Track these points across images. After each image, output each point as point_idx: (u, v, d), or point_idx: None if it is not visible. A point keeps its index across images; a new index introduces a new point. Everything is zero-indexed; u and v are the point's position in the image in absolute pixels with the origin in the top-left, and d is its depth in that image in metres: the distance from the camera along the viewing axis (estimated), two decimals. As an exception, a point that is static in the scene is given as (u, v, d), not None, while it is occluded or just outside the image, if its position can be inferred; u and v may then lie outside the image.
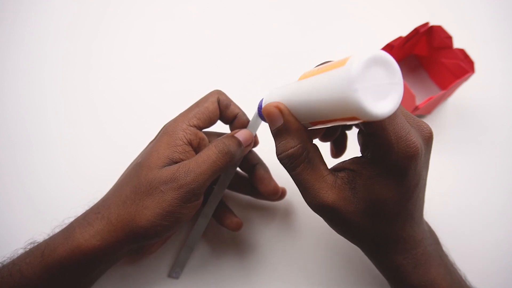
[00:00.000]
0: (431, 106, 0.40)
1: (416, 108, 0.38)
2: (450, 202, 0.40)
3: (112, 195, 0.30)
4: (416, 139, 0.24)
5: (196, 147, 0.32)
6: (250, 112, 0.34)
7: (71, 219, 0.30)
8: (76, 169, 0.41)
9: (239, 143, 0.31)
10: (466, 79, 0.39)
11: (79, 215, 0.30)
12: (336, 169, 0.28)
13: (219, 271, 0.37)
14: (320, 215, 0.28)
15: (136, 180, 0.29)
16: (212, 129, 0.34)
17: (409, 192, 0.26)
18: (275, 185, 0.35)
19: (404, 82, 0.37)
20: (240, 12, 0.49)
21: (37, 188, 0.40)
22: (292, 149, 0.26)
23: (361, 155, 0.27)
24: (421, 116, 0.43)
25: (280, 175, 0.39)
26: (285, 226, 0.39)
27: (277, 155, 0.27)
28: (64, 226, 0.30)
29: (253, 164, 0.35)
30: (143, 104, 0.44)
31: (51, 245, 0.28)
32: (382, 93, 0.20)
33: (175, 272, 0.36)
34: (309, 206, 0.27)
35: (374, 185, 0.25)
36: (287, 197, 0.38)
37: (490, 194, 0.40)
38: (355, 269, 0.37)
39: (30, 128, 0.43)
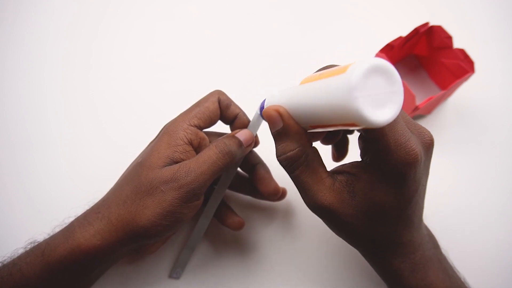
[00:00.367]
0: (431, 106, 0.40)
1: (416, 108, 0.38)
2: (450, 202, 0.40)
3: (113, 194, 0.30)
4: (415, 146, 0.24)
5: (197, 147, 0.32)
6: (251, 112, 0.34)
7: (71, 219, 0.30)
8: (76, 169, 0.41)
9: (239, 143, 0.31)
10: (466, 79, 0.39)
11: (79, 214, 0.30)
12: (336, 171, 0.28)
13: (220, 271, 0.37)
14: (318, 216, 0.28)
15: (136, 179, 0.29)
16: (212, 129, 0.34)
17: (408, 198, 0.26)
18: (276, 185, 0.35)
19: (404, 82, 0.38)
20: (240, 12, 0.49)
21: (37, 188, 0.40)
22: (291, 152, 0.26)
23: (361, 159, 0.27)
24: (421, 116, 0.43)
25: (281, 176, 0.39)
26: (286, 226, 0.39)
27: (277, 157, 0.27)
28: (64, 226, 0.30)
29: (253, 164, 0.35)
30: (143, 104, 0.44)
31: (51, 244, 0.28)
32: (382, 101, 0.21)
33: (176, 272, 0.36)
34: (308, 207, 0.28)
35: (373, 190, 0.26)
36: (287, 197, 0.38)
37: (490, 194, 0.40)
38: (355, 269, 0.37)
39: (30, 128, 0.43)
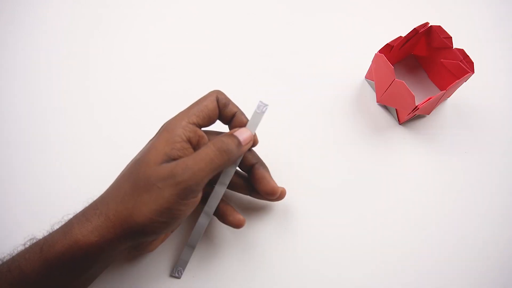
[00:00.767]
0: (431, 106, 0.40)
1: (416, 108, 0.38)
2: (450, 202, 0.40)
3: (111, 191, 0.30)
4: None
5: (195, 145, 0.32)
6: (249, 111, 0.34)
7: (71, 216, 0.30)
8: (76, 170, 0.41)
9: (238, 141, 0.31)
10: (465, 79, 0.39)
11: (78, 212, 0.30)
12: None
13: (220, 271, 0.37)
14: None
15: (134, 176, 0.30)
16: (212, 128, 0.34)
17: None
18: (274, 185, 0.35)
19: (403, 82, 0.38)
20: (240, 12, 0.49)
21: (37, 188, 0.40)
22: None
23: None
24: (420, 116, 0.43)
25: (280, 175, 0.39)
26: (286, 225, 0.39)
27: None
28: (63, 223, 0.30)
29: (252, 163, 0.35)
30: (142, 104, 0.44)
31: (50, 241, 0.28)
32: None
33: (177, 271, 0.36)
34: None
35: None
36: (287, 196, 0.38)
37: (489, 194, 0.40)
38: (355, 269, 0.37)
39: (30, 128, 0.43)
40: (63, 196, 0.39)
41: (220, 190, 0.34)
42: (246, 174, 0.37)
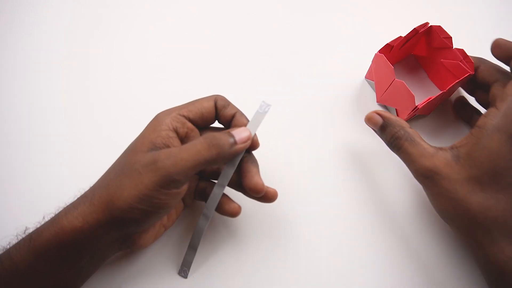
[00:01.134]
0: (431, 106, 0.40)
1: (416, 108, 0.38)
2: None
3: (99, 180, 0.31)
4: None
5: (183, 137, 0.32)
6: (250, 112, 0.34)
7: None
8: (76, 170, 0.41)
9: (232, 138, 0.31)
10: (466, 79, 0.39)
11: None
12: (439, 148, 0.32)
13: (220, 270, 0.37)
14: (423, 184, 0.32)
15: (122, 163, 0.30)
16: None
17: None
18: (259, 181, 0.32)
19: (403, 82, 0.38)
20: (240, 12, 0.49)
21: (37, 188, 0.40)
22: (397, 133, 0.33)
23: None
24: (420, 116, 0.43)
25: (280, 175, 0.39)
26: (286, 226, 0.39)
27: (387, 141, 0.34)
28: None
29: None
30: (142, 104, 0.44)
31: (39, 229, 0.29)
32: None
33: (183, 271, 0.36)
34: (414, 175, 0.33)
35: (477, 150, 0.28)
36: (290, 196, 0.38)
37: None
38: (355, 269, 0.37)
39: (30, 128, 0.43)
40: (63, 196, 0.39)
41: (218, 192, 0.34)
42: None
